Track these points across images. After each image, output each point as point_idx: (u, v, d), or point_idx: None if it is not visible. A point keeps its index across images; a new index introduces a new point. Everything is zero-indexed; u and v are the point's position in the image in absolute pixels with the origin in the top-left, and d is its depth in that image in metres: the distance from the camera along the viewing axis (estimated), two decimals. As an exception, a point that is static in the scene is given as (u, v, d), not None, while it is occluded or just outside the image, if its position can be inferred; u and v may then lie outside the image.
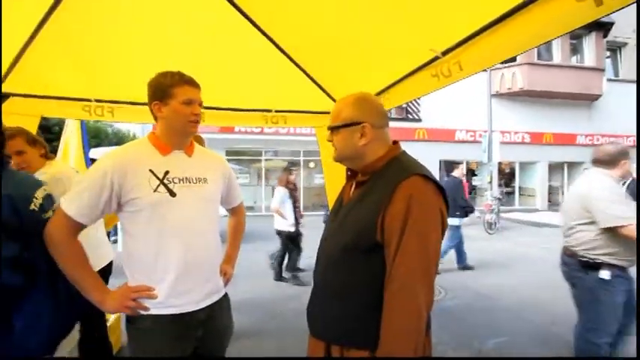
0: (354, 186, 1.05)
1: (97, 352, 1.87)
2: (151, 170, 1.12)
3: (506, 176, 14.07)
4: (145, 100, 1.23)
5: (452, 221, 4.60)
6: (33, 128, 2.63)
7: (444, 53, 1.64)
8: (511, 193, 13.89)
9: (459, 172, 5.32)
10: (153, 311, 1.10)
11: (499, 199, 9.51)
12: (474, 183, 13.54)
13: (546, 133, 12.97)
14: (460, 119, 12.42)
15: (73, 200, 1.07)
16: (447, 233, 4.46)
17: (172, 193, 1.13)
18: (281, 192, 4.50)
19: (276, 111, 3.12)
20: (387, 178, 0.92)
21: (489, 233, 8.22)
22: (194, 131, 1.20)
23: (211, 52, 2.46)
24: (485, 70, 10.62)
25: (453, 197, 4.69)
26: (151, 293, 1.10)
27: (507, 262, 5.67)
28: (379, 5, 1.64)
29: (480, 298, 3.94)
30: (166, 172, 1.14)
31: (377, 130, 0.99)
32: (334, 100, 3.07)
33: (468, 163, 13.15)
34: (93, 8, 1.94)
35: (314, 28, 2.06)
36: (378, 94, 2.48)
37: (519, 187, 13.76)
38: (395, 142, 1.03)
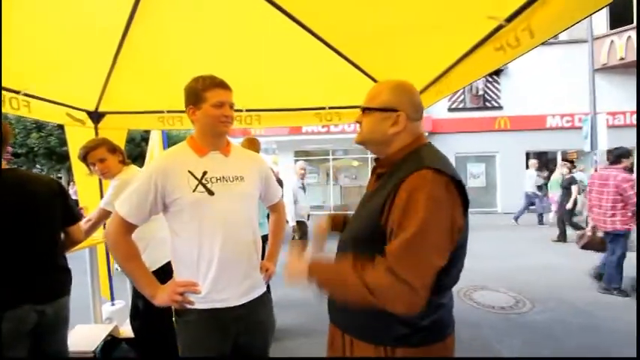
0: (375, 178, 1.02)
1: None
2: (189, 171, 1.19)
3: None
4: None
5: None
6: (122, 139, 3.10)
7: (508, 20, 1.36)
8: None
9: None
10: (197, 305, 1.18)
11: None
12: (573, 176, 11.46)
13: (679, 110, 10.24)
14: (552, 103, 10.61)
15: (124, 202, 1.17)
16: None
17: (210, 192, 1.19)
18: None
19: (330, 108, 3.08)
20: (401, 172, 0.87)
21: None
22: (226, 131, 1.25)
23: (264, 58, 2.55)
24: (583, 41, 8.89)
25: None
26: (195, 288, 1.17)
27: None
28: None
29: (579, 315, 3.26)
30: (204, 173, 1.20)
31: (411, 122, 0.95)
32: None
33: (564, 153, 11.20)
34: (156, 33, 2.17)
35: (359, 18, 1.96)
36: (436, 79, 2.24)
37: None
38: (420, 135, 0.97)
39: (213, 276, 1.18)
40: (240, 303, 1.22)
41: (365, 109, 0.99)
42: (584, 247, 4.04)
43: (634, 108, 10.43)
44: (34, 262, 1.41)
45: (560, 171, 7.87)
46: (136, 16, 1.97)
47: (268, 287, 2.77)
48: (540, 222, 8.57)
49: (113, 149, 1.95)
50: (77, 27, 1.93)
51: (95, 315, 2.66)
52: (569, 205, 6.45)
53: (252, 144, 2.82)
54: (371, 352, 0.88)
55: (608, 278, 3.83)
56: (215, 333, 1.19)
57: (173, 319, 1.27)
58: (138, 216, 1.17)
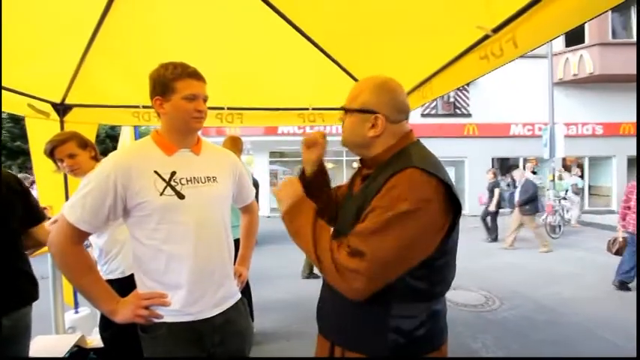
0: (361, 179, 0.97)
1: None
2: (156, 172, 1.04)
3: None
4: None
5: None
6: (92, 134, 2.89)
7: (495, 30, 1.43)
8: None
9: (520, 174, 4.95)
10: (167, 319, 1.04)
11: (564, 199, 8.48)
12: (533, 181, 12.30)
13: (624, 123, 11.30)
14: (516, 112, 11.34)
15: (74, 206, 0.99)
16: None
17: (180, 196, 1.05)
18: None
19: (313, 109, 3.07)
20: (388, 171, 0.82)
21: (553, 238, 7.34)
22: (198, 128, 1.11)
23: (248, 55, 2.48)
24: (544, 57, 9.60)
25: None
26: (164, 300, 1.03)
27: (574, 270, 4.99)
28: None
29: (543, 311, 3.49)
30: (173, 173, 1.06)
31: (391, 124, 0.89)
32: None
33: (525, 160, 11.97)
34: (135, 22, 2.05)
35: (348, 19, 1.97)
36: (421, 84, 2.30)
37: (589, 186, 12.15)
38: (408, 132, 0.92)
39: (184, 288, 1.05)
40: (215, 314, 1.11)
41: (346, 110, 0.94)
42: (617, 252, 4.12)
43: (586, 120, 11.40)
44: None
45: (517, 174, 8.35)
46: (113, 3, 1.85)
47: (249, 289, 2.73)
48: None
49: (84, 144, 1.79)
50: (47, 10, 1.77)
51: (57, 324, 2.45)
52: (492, 208, 7.02)
53: (235, 143, 2.75)
54: None
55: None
56: (188, 347, 1.06)
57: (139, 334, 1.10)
58: (91, 223, 0.99)
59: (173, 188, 1.04)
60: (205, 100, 1.11)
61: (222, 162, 1.23)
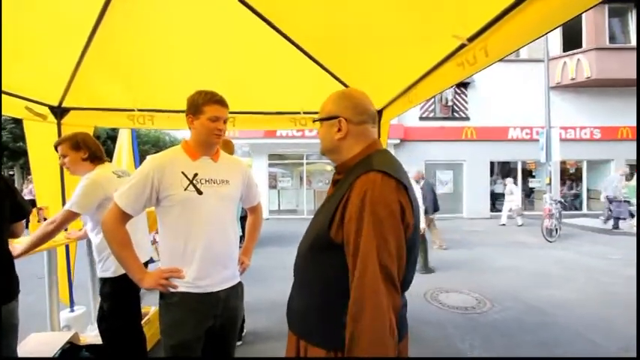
0: (332, 185, 1.05)
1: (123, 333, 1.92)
2: (182, 172, 1.34)
3: (572, 177, 12.55)
4: (180, 107, 1.44)
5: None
6: (88, 137, 2.96)
7: (470, 40, 1.49)
8: (577, 196, 12.36)
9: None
10: (181, 289, 1.31)
11: (560, 202, 8.48)
12: (531, 185, 12.29)
13: (622, 127, 11.33)
14: (514, 116, 11.39)
15: (123, 194, 1.30)
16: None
17: (199, 192, 1.34)
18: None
19: (305, 113, 3.14)
20: (351, 176, 0.90)
21: (549, 241, 7.37)
22: (217, 142, 1.41)
23: (241, 61, 2.55)
24: (540, 61, 9.66)
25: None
26: (180, 274, 1.31)
27: (567, 273, 5.00)
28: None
29: (533, 312, 3.52)
30: (195, 174, 1.36)
31: (353, 125, 0.99)
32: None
33: (524, 163, 12.01)
34: (130, 28, 2.12)
35: (336, 30, 2.04)
36: (407, 89, 2.36)
37: (587, 190, 12.17)
38: (374, 141, 1.01)
39: (196, 266, 1.32)
40: (220, 289, 1.37)
41: (317, 121, 1.06)
42: None
43: (583, 124, 11.45)
44: None
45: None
46: (109, 7, 1.91)
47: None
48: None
49: (77, 146, 1.86)
50: (44, 14, 1.84)
51: (52, 322, 2.50)
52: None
53: (227, 146, 2.80)
54: (323, 356, 0.88)
55: None
56: (195, 314, 1.32)
57: (157, 302, 1.37)
58: (134, 208, 1.30)
59: (194, 186, 1.34)
60: (225, 121, 1.41)
61: (235, 169, 1.52)
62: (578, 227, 9.21)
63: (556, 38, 11.09)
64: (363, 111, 1.00)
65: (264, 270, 5.02)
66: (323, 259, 0.91)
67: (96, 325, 2.58)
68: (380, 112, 3.04)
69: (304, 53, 2.40)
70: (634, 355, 2.61)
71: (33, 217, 2.48)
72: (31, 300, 2.19)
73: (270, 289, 4.24)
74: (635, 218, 8.11)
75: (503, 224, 9.79)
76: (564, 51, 11.10)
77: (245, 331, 2.90)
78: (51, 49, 2.13)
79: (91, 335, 2.39)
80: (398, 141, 11.21)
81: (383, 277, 0.78)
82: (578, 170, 12.28)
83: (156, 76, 2.57)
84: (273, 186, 12.54)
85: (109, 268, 1.84)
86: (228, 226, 1.42)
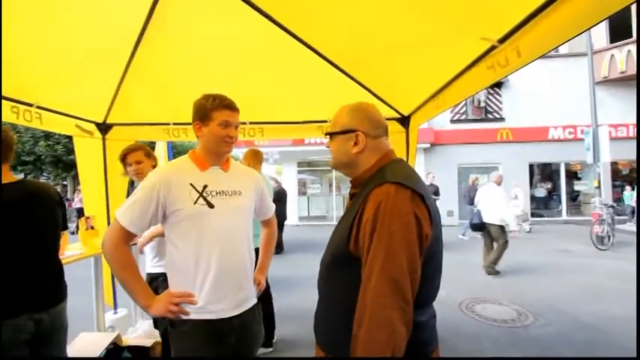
0: (349, 198, 1.05)
1: None
2: (191, 184, 1.22)
3: (626, 179, 11.46)
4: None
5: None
6: (129, 150, 3.17)
7: (501, 41, 1.43)
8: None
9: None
10: (192, 316, 1.18)
11: (612, 207, 7.77)
12: (576, 188, 11.40)
13: (683, 122, 10.22)
14: (554, 115, 10.66)
15: (126, 211, 1.17)
16: None
17: (210, 205, 1.22)
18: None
19: (331, 120, 3.15)
20: (365, 190, 0.89)
21: (600, 249, 6.77)
22: (227, 150, 1.30)
23: (268, 73, 2.62)
24: (583, 55, 8.96)
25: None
26: (191, 299, 1.17)
27: (623, 286, 4.52)
28: (424, 3, 1.52)
29: (582, 329, 3.23)
30: (205, 186, 1.24)
31: (371, 139, 0.98)
32: (390, 107, 2.97)
33: (567, 164, 11.19)
34: (165, 47, 2.26)
35: (359, 36, 2.03)
36: (435, 94, 2.30)
37: (643, 193, 11.05)
38: (387, 152, 0.99)
39: (209, 287, 1.19)
40: (235, 314, 1.24)
41: (330, 135, 1.03)
42: None
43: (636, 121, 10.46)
44: (38, 269, 1.44)
45: None
46: (145, 32, 2.06)
47: (270, 296, 2.82)
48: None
49: (149, 154, 2.09)
50: (89, 41, 2.01)
51: (98, 323, 2.69)
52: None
53: (256, 155, 2.89)
54: None
55: None
56: (210, 343, 1.19)
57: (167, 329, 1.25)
58: (138, 225, 1.18)
59: (205, 199, 1.22)
60: (237, 127, 1.29)
61: (247, 179, 1.40)
62: (634, 234, 8.37)
63: (601, 29, 10.29)
64: (378, 124, 1.00)
65: (294, 277, 5.05)
66: (344, 273, 0.91)
67: (137, 327, 2.75)
68: (408, 118, 2.99)
69: (329, 62, 2.42)
70: None
71: (82, 224, 2.70)
72: (80, 302, 2.38)
73: (300, 296, 4.25)
74: None
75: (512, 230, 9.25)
76: (612, 42, 10.26)
77: (275, 338, 2.93)
78: (96, 71, 2.32)
79: (132, 337, 2.53)
80: (428, 145, 10.90)
81: (389, 290, 0.77)
82: (633, 171, 11.19)
83: (189, 90, 2.66)
84: (302, 193, 12.68)
85: None
86: (243, 242, 1.29)
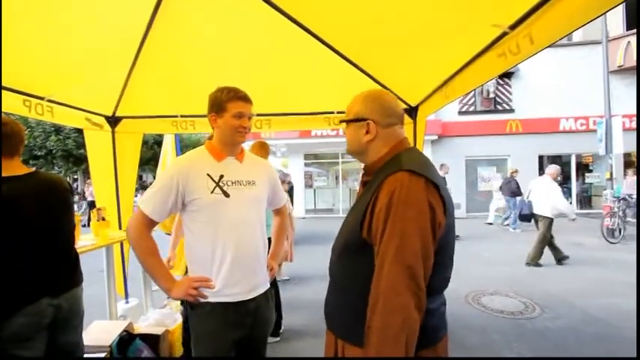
0: (362, 186, 1.05)
1: None
2: (208, 174, 1.28)
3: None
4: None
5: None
6: (138, 142, 3.21)
7: (512, 27, 1.39)
8: (646, 192, 11.03)
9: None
10: (210, 299, 1.25)
11: (624, 199, 7.62)
12: (588, 180, 11.19)
13: (701, 113, 9.90)
14: (566, 106, 10.42)
15: (148, 200, 1.25)
16: None
17: (226, 194, 1.28)
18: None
19: (338, 112, 3.13)
20: (380, 177, 0.90)
21: (611, 242, 6.66)
22: (242, 140, 1.36)
23: (275, 64, 2.61)
24: (597, 42, 8.67)
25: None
26: (209, 284, 1.24)
27: (632, 279, 4.44)
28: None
29: (593, 322, 3.20)
30: (221, 176, 1.29)
31: (382, 128, 0.98)
32: (397, 97, 2.94)
33: (579, 156, 10.97)
34: (173, 40, 2.26)
35: (368, 27, 2.01)
36: (443, 84, 2.26)
37: (659, 185, 10.79)
38: (401, 141, 0.99)
39: (225, 273, 1.26)
40: (250, 297, 1.31)
41: (344, 122, 1.05)
42: None
43: (652, 110, 10.17)
44: (58, 255, 1.50)
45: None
46: (152, 25, 2.06)
47: (277, 287, 2.86)
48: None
49: None
50: (98, 36, 2.03)
51: (111, 312, 2.77)
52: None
53: (263, 148, 2.89)
54: (359, 355, 0.87)
55: None
56: (226, 324, 1.27)
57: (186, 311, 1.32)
58: (160, 214, 1.25)
59: (221, 188, 1.28)
60: (250, 118, 1.35)
61: (261, 169, 1.46)
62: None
63: (617, 16, 9.95)
64: (391, 113, 1.00)
65: (300, 269, 5.10)
66: (356, 260, 0.92)
67: (148, 315, 2.81)
68: (415, 109, 2.95)
69: (336, 52, 2.39)
70: None
71: (93, 216, 2.76)
72: (93, 291, 2.45)
73: (306, 287, 4.30)
74: None
75: (490, 223, 9.28)
76: (628, 29, 9.92)
77: (283, 328, 2.97)
78: (105, 65, 2.34)
79: (143, 325, 2.59)
80: (435, 137, 10.78)
81: (403, 276, 0.78)
82: (646, 163, 10.92)
83: (196, 82, 2.70)
84: (309, 185, 12.70)
85: None
86: (258, 230, 1.36)
